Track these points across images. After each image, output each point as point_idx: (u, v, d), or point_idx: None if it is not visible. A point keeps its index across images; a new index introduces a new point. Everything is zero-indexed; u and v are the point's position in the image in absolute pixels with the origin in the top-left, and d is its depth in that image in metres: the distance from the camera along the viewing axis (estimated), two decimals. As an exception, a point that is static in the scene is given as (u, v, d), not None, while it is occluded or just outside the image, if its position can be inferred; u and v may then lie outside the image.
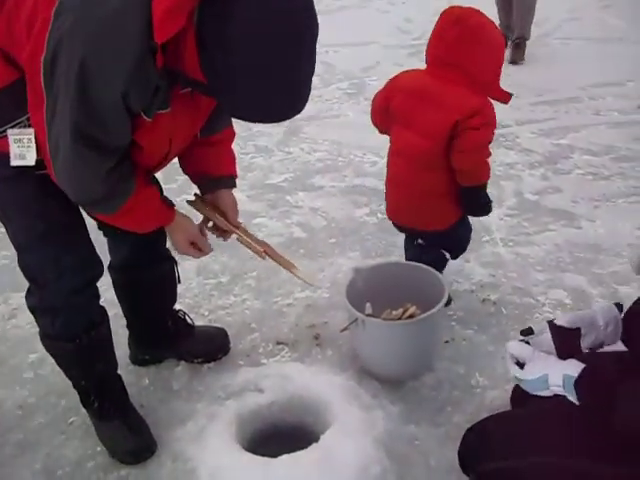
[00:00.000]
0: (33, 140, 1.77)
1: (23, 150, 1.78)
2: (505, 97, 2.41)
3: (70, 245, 2.03)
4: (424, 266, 2.54)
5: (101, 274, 2.14)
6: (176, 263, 2.48)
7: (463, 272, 3.02)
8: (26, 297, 2.13)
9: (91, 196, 1.81)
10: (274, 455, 2.07)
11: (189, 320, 2.66)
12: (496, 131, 4.20)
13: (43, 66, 1.59)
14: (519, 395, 2.08)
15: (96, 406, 2.26)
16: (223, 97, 1.63)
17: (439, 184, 2.51)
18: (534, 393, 1.78)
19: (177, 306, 2.89)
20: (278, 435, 2.29)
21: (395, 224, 2.75)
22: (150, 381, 2.56)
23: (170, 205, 2.05)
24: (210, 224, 2.24)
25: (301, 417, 2.30)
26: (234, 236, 2.25)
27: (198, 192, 2.24)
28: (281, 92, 1.58)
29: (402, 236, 3.25)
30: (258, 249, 2.21)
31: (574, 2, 6.62)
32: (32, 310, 2.13)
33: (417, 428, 2.27)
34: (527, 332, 1.90)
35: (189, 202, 2.23)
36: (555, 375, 1.71)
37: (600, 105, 4.76)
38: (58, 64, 1.57)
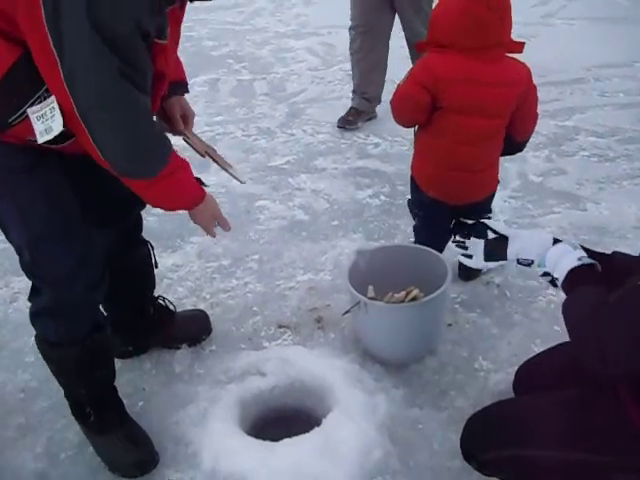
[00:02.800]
0: (56, 107, 1.67)
1: (48, 123, 1.69)
2: (520, 47, 2.48)
3: (86, 237, 1.98)
4: (427, 249, 2.52)
5: (107, 269, 2.09)
6: (152, 248, 2.45)
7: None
8: (30, 299, 2.04)
9: (140, 146, 1.73)
10: (276, 439, 2.08)
11: (170, 306, 2.63)
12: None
13: (47, 24, 1.52)
14: (523, 381, 2.08)
15: (92, 419, 2.17)
16: None
17: (498, 151, 2.58)
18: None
19: (179, 289, 2.92)
20: (280, 419, 2.29)
21: (455, 206, 2.62)
22: (152, 364, 2.54)
23: (202, 184, 2.03)
24: None
25: (303, 401, 2.30)
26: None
27: None
28: None
29: (405, 218, 3.25)
30: (200, 150, 2.19)
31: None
32: (36, 313, 2.04)
33: (420, 412, 2.26)
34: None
35: None
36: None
37: (606, 86, 4.72)
38: (62, 10, 1.50)
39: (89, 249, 1.99)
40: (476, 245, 2.01)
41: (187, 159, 1.92)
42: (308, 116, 4.52)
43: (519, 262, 1.89)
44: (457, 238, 2.07)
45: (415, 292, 2.42)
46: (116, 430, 2.18)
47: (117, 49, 1.55)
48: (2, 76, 1.64)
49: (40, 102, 1.68)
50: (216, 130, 4.25)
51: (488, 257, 1.98)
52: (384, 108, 4.06)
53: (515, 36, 5.58)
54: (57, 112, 1.68)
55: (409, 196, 3.41)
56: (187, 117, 2.18)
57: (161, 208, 1.99)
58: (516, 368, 2.36)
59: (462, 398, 2.30)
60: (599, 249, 2.91)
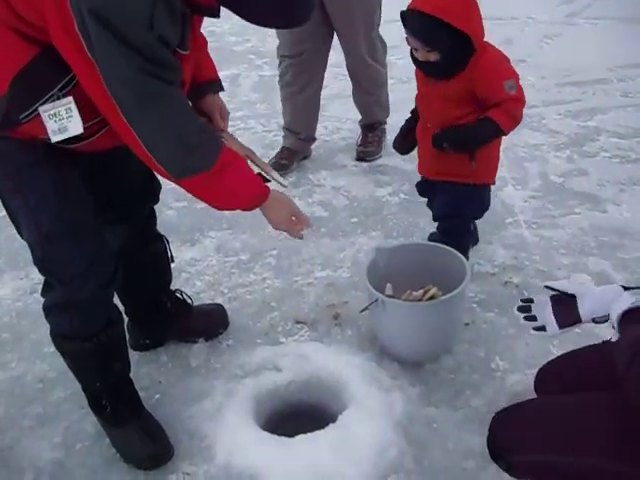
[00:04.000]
0: (74, 108, 1.70)
1: (63, 122, 1.70)
2: None
3: (98, 234, 1.99)
4: (446, 247, 2.51)
5: (119, 265, 2.09)
6: (167, 242, 2.46)
7: (485, 254, 2.99)
8: (43, 294, 2.06)
9: (187, 141, 1.72)
10: (291, 435, 2.08)
11: (187, 299, 2.64)
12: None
13: (80, 33, 1.54)
14: (548, 381, 2.02)
15: (109, 410, 2.19)
16: (243, 9, 1.64)
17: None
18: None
19: (197, 283, 2.94)
20: (295, 415, 2.30)
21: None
22: (168, 358, 2.56)
23: (264, 179, 2.01)
24: None
25: (319, 397, 2.30)
26: None
27: None
28: None
29: (424, 216, 3.24)
30: (240, 153, 2.16)
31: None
32: (48, 308, 2.06)
33: (436, 410, 2.25)
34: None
35: None
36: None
37: (629, 87, 4.67)
38: (87, 26, 1.52)
39: (100, 246, 2.00)
40: (543, 310, 1.88)
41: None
42: (329, 112, 4.51)
43: (595, 321, 1.77)
44: (521, 304, 1.95)
45: (433, 290, 2.42)
46: (132, 422, 2.19)
47: (142, 50, 1.56)
48: (17, 73, 1.66)
49: (53, 101, 1.69)
50: (237, 125, 4.26)
51: (562, 325, 1.84)
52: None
53: (540, 35, 5.57)
54: (75, 113, 1.71)
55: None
56: (223, 116, 2.18)
57: (225, 207, 1.98)
58: (533, 370, 2.33)
59: (478, 398, 2.29)
60: (620, 251, 2.94)
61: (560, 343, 2.47)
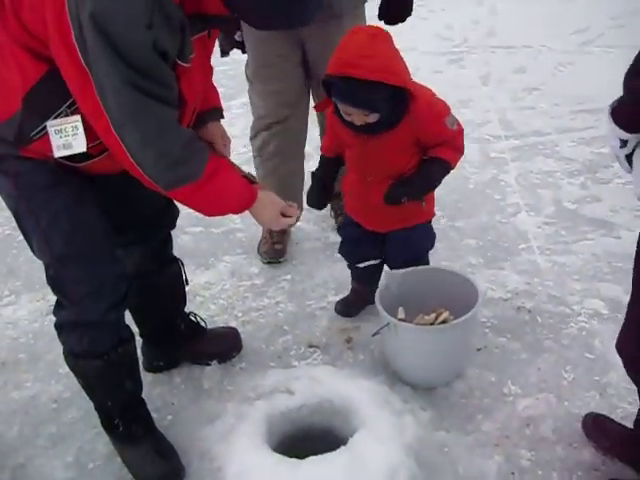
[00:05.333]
0: (80, 127, 1.74)
1: (68, 139, 1.75)
2: None
3: (108, 257, 2.02)
4: (458, 271, 2.53)
5: (131, 287, 2.11)
6: (182, 264, 2.49)
7: (498, 279, 2.99)
8: (55, 313, 2.09)
9: (174, 154, 1.74)
10: (302, 457, 2.07)
11: (201, 322, 2.67)
12: (535, 139, 4.23)
13: (76, 44, 1.58)
14: None
15: (121, 429, 2.20)
16: (247, 11, 1.68)
17: None
18: None
19: (211, 307, 2.97)
20: (307, 438, 2.29)
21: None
22: (181, 380, 2.58)
23: (251, 180, 2.03)
24: None
25: (331, 421, 2.29)
26: None
27: None
28: None
29: (437, 241, 3.25)
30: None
31: (618, 9, 6.52)
32: (60, 326, 2.09)
33: (447, 435, 2.25)
34: None
35: None
36: None
37: (643, 115, 4.67)
38: (84, 33, 1.56)
39: (112, 268, 2.03)
40: None
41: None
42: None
43: None
44: None
45: (445, 315, 2.42)
46: (144, 442, 2.21)
47: (132, 62, 1.58)
48: (28, 91, 1.71)
49: (61, 118, 1.74)
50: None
51: None
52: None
53: (554, 63, 5.58)
54: (80, 131, 1.74)
55: (443, 220, 3.44)
56: (225, 143, 2.20)
57: (216, 214, 2.00)
58: (545, 394, 2.36)
59: (489, 422, 2.29)
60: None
61: (572, 369, 2.48)
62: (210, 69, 2.11)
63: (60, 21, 1.58)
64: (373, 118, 2.22)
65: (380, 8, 2.97)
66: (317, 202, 2.62)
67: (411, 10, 3.00)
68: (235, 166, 2.08)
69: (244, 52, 2.90)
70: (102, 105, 1.64)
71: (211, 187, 1.84)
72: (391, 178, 2.38)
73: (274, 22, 1.75)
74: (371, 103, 2.18)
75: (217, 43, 2.92)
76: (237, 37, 2.53)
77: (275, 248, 3.29)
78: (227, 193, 1.90)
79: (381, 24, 2.75)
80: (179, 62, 1.73)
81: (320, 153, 2.65)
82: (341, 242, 2.76)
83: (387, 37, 2.17)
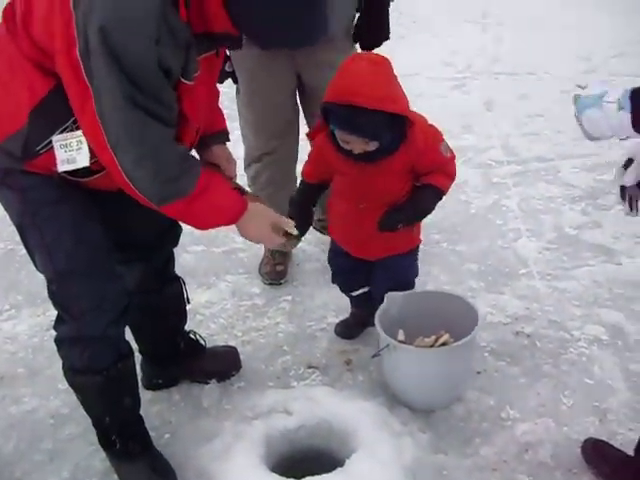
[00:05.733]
0: (84, 141, 1.75)
1: (72, 154, 1.77)
2: None
3: (110, 274, 2.03)
4: (458, 295, 2.54)
5: (131, 303, 2.12)
6: (184, 283, 2.50)
7: (498, 304, 3.00)
8: (55, 327, 2.09)
9: (167, 173, 1.74)
10: (300, 478, 2.07)
11: (201, 340, 2.66)
12: (537, 165, 4.24)
13: (80, 57, 1.60)
14: None
15: (118, 446, 2.20)
16: (255, 30, 1.70)
17: None
18: (581, 112, 1.71)
19: (211, 326, 2.97)
20: (305, 459, 2.29)
21: None
22: (180, 397, 2.58)
23: (242, 191, 2.03)
24: None
25: (329, 441, 2.29)
26: None
27: None
28: (307, 12, 1.66)
29: (438, 265, 3.27)
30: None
31: (621, 37, 6.56)
32: (60, 341, 2.09)
33: (445, 457, 2.25)
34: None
35: None
36: (615, 91, 1.63)
37: (645, 142, 4.69)
38: (90, 47, 1.58)
39: (113, 284, 2.04)
40: None
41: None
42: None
43: None
44: None
45: (445, 337, 2.42)
46: (141, 459, 2.21)
47: (135, 78, 1.60)
48: (36, 105, 1.74)
49: (66, 132, 1.76)
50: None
51: None
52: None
53: (557, 90, 5.59)
54: (85, 146, 1.76)
55: (444, 244, 3.45)
56: (231, 165, 2.22)
57: (208, 227, 1.99)
58: (544, 419, 2.35)
59: (488, 446, 2.29)
60: (634, 304, 2.94)
61: (571, 393, 2.48)
62: (216, 90, 2.14)
63: (67, 34, 1.60)
64: (373, 146, 2.22)
65: (355, 32, 2.92)
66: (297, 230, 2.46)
67: (388, 34, 2.94)
68: (226, 178, 2.10)
69: (235, 82, 2.91)
70: (99, 121, 1.66)
71: (203, 201, 1.84)
72: (385, 205, 2.37)
73: (282, 40, 1.79)
74: (372, 131, 2.17)
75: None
76: (227, 67, 2.53)
77: (277, 269, 3.27)
78: (218, 206, 1.91)
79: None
80: (183, 80, 1.75)
81: (301, 178, 2.59)
82: (333, 273, 2.75)
83: (388, 64, 2.18)
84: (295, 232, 2.13)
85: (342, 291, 2.79)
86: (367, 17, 2.87)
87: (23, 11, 1.72)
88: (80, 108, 1.69)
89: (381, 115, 2.12)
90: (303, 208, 2.52)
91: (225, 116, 2.25)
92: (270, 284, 3.25)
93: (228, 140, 2.23)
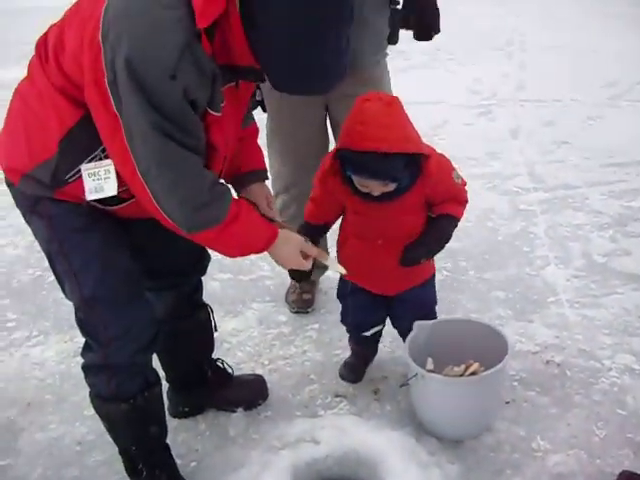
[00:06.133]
0: (112, 170, 1.78)
1: (100, 183, 1.79)
2: None
3: (138, 301, 2.04)
4: (488, 323, 2.52)
5: (160, 331, 2.12)
6: (212, 311, 2.50)
7: (527, 332, 2.96)
8: (82, 354, 2.10)
9: (198, 200, 1.76)
10: (327, 508, 2.05)
11: (228, 369, 2.66)
12: (565, 192, 4.22)
13: (109, 88, 1.63)
14: None
15: (145, 475, 2.19)
16: (275, 72, 1.70)
17: None
18: None
19: (238, 354, 2.96)
20: (332, 489, 2.27)
21: None
22: (207, 426, 2.56)
23: (270, 220, 2.04)
24: None
25: (356, 471, 2.27)
26: None
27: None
28: (328, 60, 1.66)
29: (466, 293, 3.25)
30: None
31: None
32: (87, 368, 2.09)
33: (475, 489, 2.22)
34: None
35: None
36: None
37: (673, 169, 4.66)
38: (117, 78, 1.61)
39: (142, 312, 2.04)
40: None
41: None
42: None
43: None
44: None
45: (475, 366, 2.40)
46: None
47: (161, 108, 1.62)
48: (65, 135, 1.76)
49: (95, 161, 1.78)
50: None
51: None
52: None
53: (583, 117, 5.60)
54: (112, 175, 1.78)
55: (471, 272, 3.43)
56: (270, 203, 2.22)
57: (240, 255, 2.00)
58: (575, 450, 2.31)
59: (518, 478, 2.24)
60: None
61: (604, 425, 2.43)
62: (255, 130, 2.19)
63: (95, 66, 1.63)
64: (391, 187, 2.22)
65: (403, 24, 2.88)
66: (303, 274, 2.37)
67: (439, 28, 2.92)
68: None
69: (265, 111, 2.93)
70: (129, 149, 1.68)
71: (234, 229, 1.85)
72: (403, 239, 2.36)
73: (301, 88, 1.78)
74: (393, 174, 2.17)
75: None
76: (257, 96, 2.55)
77: (303, 298, 3.25)
78: (250, 234, 1.92)
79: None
80: (210, 111, 1.76)
81: (304, 221, 2.53)
82: (344, 311, 2.69)
83: (399, 104, 2.16)
84: (327, 262, 2.19)
85: (353, 330, 2.72)
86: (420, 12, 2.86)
87: (55, 43, 1.75)
88: (110, 137, 1.71)
89: (399, 157, 2.11)
90: None
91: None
92: (297, 312, 3.24)
93: (267, 178, 2.24)
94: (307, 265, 2.11)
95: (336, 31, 1.64)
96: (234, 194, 1.98)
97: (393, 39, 2.88)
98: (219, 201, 1.81)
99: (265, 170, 2.25)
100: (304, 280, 2.55)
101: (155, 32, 1.59)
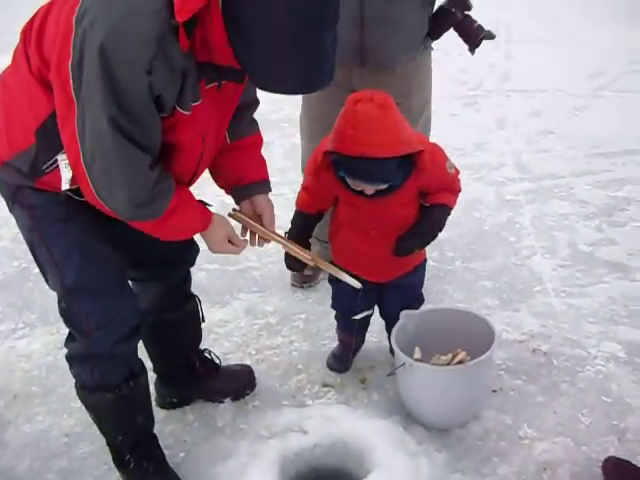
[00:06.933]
0: None
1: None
2: None
3: (120, 291, 2.04)
4: (474, 313, 2.53)
5: (143, 321, 2.12)
6: (199, 302, 2.50)
7: (513, 322, 2.97)
8: (66, 345, 2.10)
9: (140, 197, 1.75)
10: (315, 497, 2.06)
11: (215, 359, 2.66)
12: (551, 182, 4.23)
13: (71, 71, 1.60)
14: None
15: (132, 465, 2.20)
16: (256, 71, 1.66)
17: None
18: None
19: (226, 344, 2.96)
20: (320, 478, 2.28)
21: None
22: (194, 417, 2.56)
23: (205, 204, 2.04)
24: (248, 233, 2.22)
25: (344, 461, 2.28)
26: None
27: (236, 207, 2.22)
28: (312, 60, 1.61)
29: (452, 283, 3.26)
30: (306, 256, 2.25)
31: (632, 54, 6.56)
32: (71, 358, 2.09)
33: (462, 477, 2.23)
34: None
35: (230, 215, 2.20)
36: None
37: (658, 159, 4.68)
38: (84, 63, 1.58)
39: (123, 302, 2.04)
40: None
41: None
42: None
43: None
44: None
45: (462, 355, 2.40)
46: (155, 478, 2.19)
47: (124, 102, 1.60)
48: (40, 124, 1.75)
49: None
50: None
51: None
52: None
53: (568, 107, 5.59)
54: None
55: (458, 262, 3.43)
56: (271, 215, 2.22)
57: (173, 240, 2.02)
58: (562, 438, 2.33)
59: (505, 466, 2.26)
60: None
61: (589, 412, 2.45)
62: (258, 140, 2.19)
63: (63, 46, 1.61)
64: (384, 186, 2.22)
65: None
66: (299, 264, 2.37)
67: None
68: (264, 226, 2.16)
69: None
70: (77, 135, 1.66)
71: (171, 221, 1.87)
72: (396, 230, 2.37)
73: (282, 88, 1.70)
74: (386, 177, 2.17)
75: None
76: None
77: (305, 273, 3.19)
78: (186, 224, 1.96)
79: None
80: (178, 109, 1.73)
81: (296, 209, 2.53)
82: (335, 295, 2.68)
83: (392, 104, 2.12)
84: (311, 263, 2.26)
85: (343, 315, 2.71)
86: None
87: (38, 26, 1.74)
88: (63, 121, 1.70)
89: (392, 160, 2.11)
90: (302, 240, 2.41)
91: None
92: (293, 285, 3.32)
93: (270, 190, 2.23)
94: (235, 251, 2.12)
95: (319, 31, 1.59)
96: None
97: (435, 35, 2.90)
98: (161, 198, 1.81)
99: (268, 182, 2.23)
100: (296, 271, 2.56)
101: (131, 22, 1.56)
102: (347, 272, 2.31)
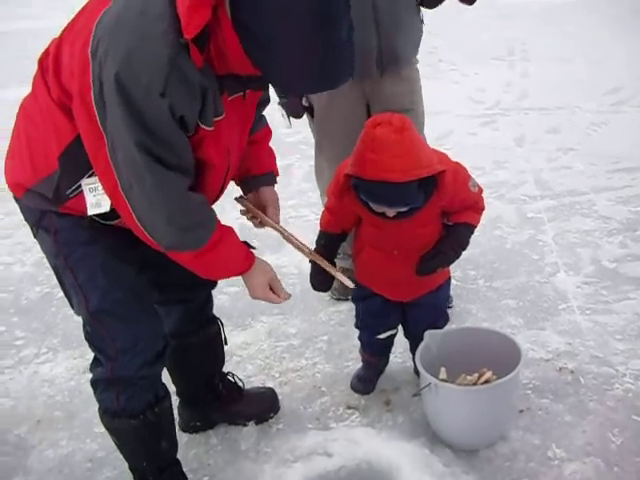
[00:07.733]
0: None
1: (99, 198, 1.78)
2: None
3: (145, 315, 2.03)
4: (499, 331, 2.51)
5: (168, 345, 2.12)
6: (222, 325, 2.49)
7: (538, 340, 2.94)
8: (91, 369, 2.09)
9: (180, 221, 1.75)
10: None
11: (239, 382, 2.64)
12: (572, 199, 4.20)
13: (94, 104, 1.62)
14: None
15: None
16: (275, 75, 1.65)
17: None
18: None
19: (249, 367, 2.95)
20: (345, 501, 2.25)
21: None
22: (218, 441, 2.55)
23: (249, 246, 2.03)
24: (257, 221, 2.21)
25: (370, 484, 2.25)
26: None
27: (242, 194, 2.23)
28: (328, 55, 1.58)
29: (476, 302, 3.23)
30: (305, 250, 2.24)
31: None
32: (96, 383, 2.09)
33: (491, 500, 2.19)
34: None
35: (236, 199, 2.20)
36: None
37: (679, 173, 4.63)
38: (105, 94, 1.59)
39: (149, 326, 2.04)
40: None
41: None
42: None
43: None
44: None
45: (488, 375, 2.38)
46: None
47: (147, 125, 1.60)
48: (63, 150, 1.76)
49: (95, 176, 1.77)
50: (289, 214, 4.29)
51: None
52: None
53: (587, 123, 5.57)
54: None
55: (481, 281, 3.40)
56: (276, 207, 2.23)
57: (212, 278, 2.02)
58: (592, 458, 2.28)
59: (535, 487, 2.22)
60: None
61: (620, 432, 2.41)
62: (267, 133, 2.20)
63: (82, 80, 1.62)
64: (406, 208, 2.21)
65: None
66: (325, 284, 2.44)
67: None
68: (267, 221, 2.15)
69: (312, 117, 2.93)
70: (112, 165, 1.67)
71: (212, 255, 1.86)
72: (419, 250, 2.36)
73: (303, 87, 1.75)
74: (407, 201, 2.17)
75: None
76: (304, 102, 2.54)
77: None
78: (227, 261, 1.94)
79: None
80: (201, 125, 1.73)
81: (320, 230, 2.50)
82: (359, 315, 2.66)
83: (411, 127, 2.12)
84: (309, 256, 2.27)
85: (368, 335, 2.68)
86: None
87: (54, 56, 1.75)
88: (94, 151, 1.71)
89: (414, 183, 2.10)
90: (328, 260, 2.36)
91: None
92: (337, 299, 3.32)
93: (276, 182, 2.23)
94: (275, 300, 2.11)
95: (329, 25, 1.56)
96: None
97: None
98: (203, 227, 1.81)
99: (275, 174, 2.24)
100: (322, 291, 2.55)
101: (141, 48, 1.57)
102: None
